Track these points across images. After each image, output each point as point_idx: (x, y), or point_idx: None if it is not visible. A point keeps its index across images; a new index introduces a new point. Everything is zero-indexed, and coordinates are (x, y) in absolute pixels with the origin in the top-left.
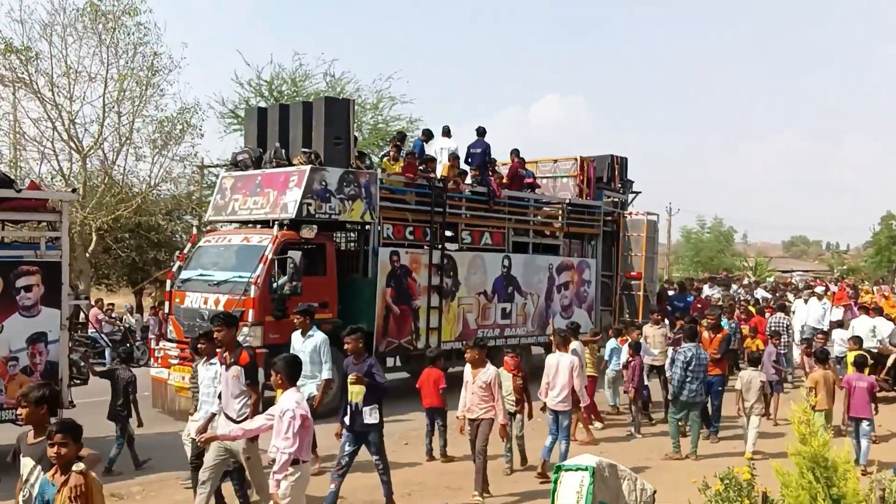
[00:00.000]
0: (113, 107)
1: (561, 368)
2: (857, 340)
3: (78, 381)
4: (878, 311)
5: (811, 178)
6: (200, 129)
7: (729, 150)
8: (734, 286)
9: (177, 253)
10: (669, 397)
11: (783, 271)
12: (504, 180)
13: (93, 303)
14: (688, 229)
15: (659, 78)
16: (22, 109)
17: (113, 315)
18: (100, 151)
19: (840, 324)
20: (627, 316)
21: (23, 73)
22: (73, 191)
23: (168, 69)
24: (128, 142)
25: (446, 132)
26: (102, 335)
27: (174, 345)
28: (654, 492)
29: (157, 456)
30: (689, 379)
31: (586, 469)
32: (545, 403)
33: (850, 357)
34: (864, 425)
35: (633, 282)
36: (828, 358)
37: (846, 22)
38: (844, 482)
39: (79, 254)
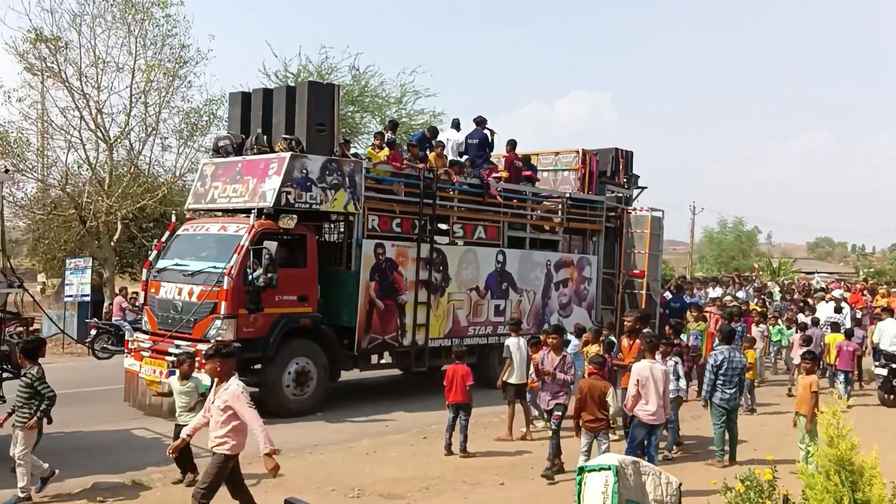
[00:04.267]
0: (140, 97)
1: (655, 379)
2: (834, 327)
3: (9, 375)
4: None
5: (838, 180)
6: (226, 121)
7: (754, 151)
8: (748, 288)
9: (154, 241)
10: (702, 403)
11: (807, 273)
12: (498, 171)
13: (117, 291)
14: (710, 230)
15: (679, 78)
16: (50, 98)
17: (136, 304)
18: (126, 141)
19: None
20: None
21: (51, 63)
22: (6, 171)
23: (195, 61)
24: (154, 132)
25: (455, 125)
26: (126, 323)
27: (147, 336)
28: (680, 484)
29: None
30: (721, 382)
31: (609, 468)
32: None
33: (828, 339)
34: (847, 376)
35: (636, 280)
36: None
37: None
38: (870, 487)
39: (104, 242)
